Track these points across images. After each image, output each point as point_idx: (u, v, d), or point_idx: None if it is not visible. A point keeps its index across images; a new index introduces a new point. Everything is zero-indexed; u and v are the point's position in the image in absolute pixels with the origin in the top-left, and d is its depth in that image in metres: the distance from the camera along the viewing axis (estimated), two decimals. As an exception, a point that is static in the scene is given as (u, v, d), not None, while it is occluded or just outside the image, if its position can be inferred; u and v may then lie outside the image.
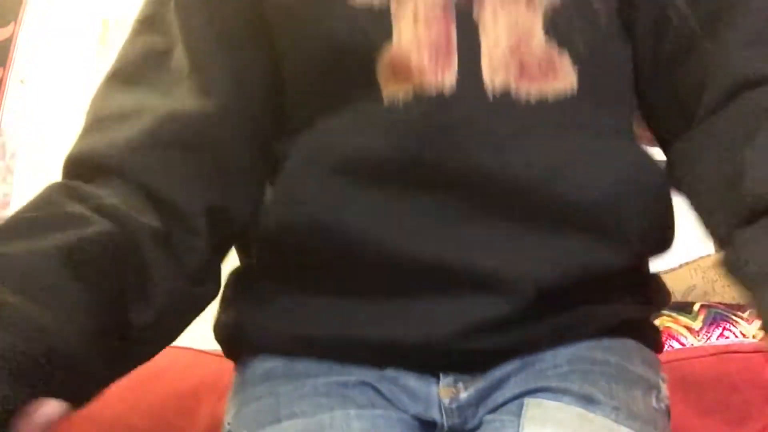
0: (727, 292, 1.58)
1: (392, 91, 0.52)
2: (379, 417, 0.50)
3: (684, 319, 1.40)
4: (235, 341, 0.59)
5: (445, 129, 0.51)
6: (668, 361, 1.29)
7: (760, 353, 1.32)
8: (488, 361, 0.52)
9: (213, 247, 0.52)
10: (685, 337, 1.37)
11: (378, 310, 0.52)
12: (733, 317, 1.42)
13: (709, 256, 1.63)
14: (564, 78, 0.51)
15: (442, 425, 0.53)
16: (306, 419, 0.49)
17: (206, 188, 0.52)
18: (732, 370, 1.28)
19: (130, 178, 0.49)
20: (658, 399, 0.55)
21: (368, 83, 0.52)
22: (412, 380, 0.52)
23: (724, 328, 1.40)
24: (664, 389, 0.58)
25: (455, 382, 0.52)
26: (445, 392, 0.52)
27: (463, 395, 0.52)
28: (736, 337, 1.39)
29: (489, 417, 0.51)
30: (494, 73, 0.51)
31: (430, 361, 0.52)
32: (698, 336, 1.38)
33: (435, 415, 0.52)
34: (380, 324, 0.51)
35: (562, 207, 0.51)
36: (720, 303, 1.46)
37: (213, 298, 0.55)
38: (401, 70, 0.51)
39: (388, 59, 0.51)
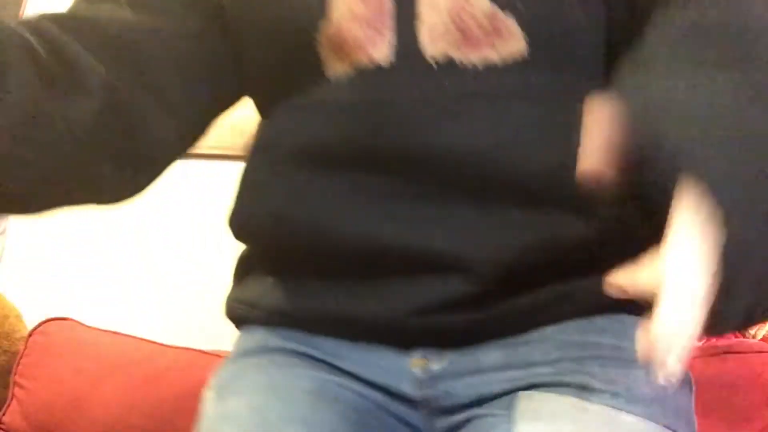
0: (727, 292, 1.57)
1: (335, 69, 0.51)
2: (330, 382, 0.51)
3: (684, 320, 1.40)
4: (233, 315, 0.61)
5: (388, 105, 0.49)
6: (668, 361, 1.29)
7: (760, 353, 1.32)
8: (457, 338, 0.51)
9: (100, 109, 0.47)
10: (685, 338, 1.36)
11: (345, 290, 0.52)
12: (733, 317, 1.42)
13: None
14: (512, 43, 0.49)
15: (414, 398, 0.52)
16: (265, 377, 0.52)
17: (117, 72, 0.49)
18: (732, 370, 1.28)
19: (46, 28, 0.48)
20: (666, 375, 0.53)
21: (312, 63, 0.51)
22: (383, 353, 0.52)
23: (724, 329, 1.39)
24: (675, 362, 0.54)
25: (425, 355, 0.52)
26: (417, 363, 0.52)
27: (436, 367, 0.51)
28: (736, 337, 1.39)
29: (480, 411, 0.50)
30: (434, 41, 0.49)
31: (396, 337, 0.52)
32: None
33: (406, 387, 0.52)
34: (347, 302, 0.52)
35: (516, 179, 0.49)
36: (720, 303, 1.46)
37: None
38: (340, 46, 0.50)
39: (327, 35, 0.50)
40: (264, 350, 0.55)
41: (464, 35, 0.48)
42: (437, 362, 0.51)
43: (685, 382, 0.53)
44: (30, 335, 1.18)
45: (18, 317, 1.28)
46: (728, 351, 1.31)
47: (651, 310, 0.51)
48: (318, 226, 0.51)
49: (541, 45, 0.49)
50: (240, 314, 0.59)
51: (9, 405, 1.16)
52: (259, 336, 0.56)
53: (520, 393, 0.48)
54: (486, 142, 0.48)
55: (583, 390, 0.47)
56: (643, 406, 0.47)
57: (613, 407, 0.46)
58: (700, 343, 1.36)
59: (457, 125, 0.48)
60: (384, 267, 0.50)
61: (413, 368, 0.52)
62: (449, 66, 0.49)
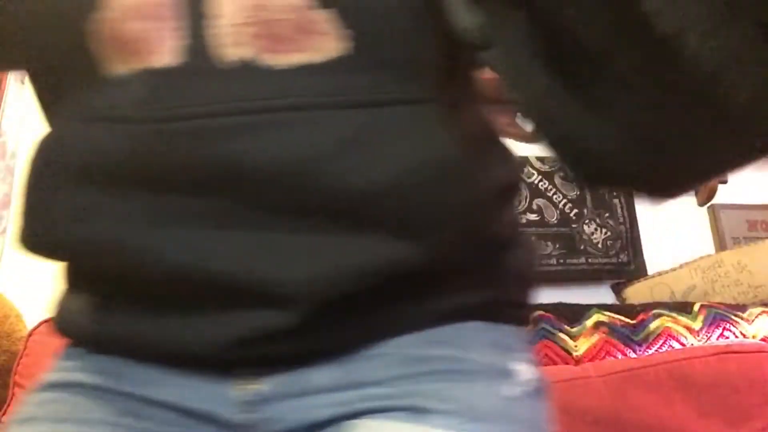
0: (727, 292, 1.58)
1: (115, 71, 0.43)
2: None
3: (684, 320, 1.40)
4: (57, 329, 0.55)
5: (176, 115, 0.41)
6: (668, 361, 1.29)
7: (760, 353, 1.32)
8: (283, 363, 0.46)
9: None
10: (685, 338, 1.37)
11: (156, 317, 0.46)
12: (733, 317, 1.42)
13: (709, 256, 1.63)
14: (326, 41, 0.42)
15: (235, 423, 0.47)
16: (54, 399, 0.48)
17: None
18: (732, 370, 1.28)
19: None
20: (513, 385, 0.46)
21: (86, 64, 0.43)
22: (203, 378, 0.47)
23: (724, 329, 1.40)
24: (527, 369, 0.48)
25: (248, 378, 0.46)
26: (239, 386, 0.46)
27: (260, 389, 0.46)
28: (736, 337, 1.39)
29: None
30: (233, 40, 0.41)
31: (215, 365, 0.46)
32: (698, 336, 1.38)
33: (227, 412, 0.46)
34: (159, 330, 0.46)
35: (338, 199, 0.42)
36: (720, 303, 1.46)
37: None
38: (118, 45, 0.42)
39: (101, 31, 0.42)
40: (67, 386, 0.49)
41: (269, 34, 0.41)
42: (261, 384, 0.46)
43: (537, 389, 0.48)
44: (30, 335, 1.18)
45: (18, 317, 1.28)
46: (728, 351, 1.31)
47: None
48: (111, 252, 0.44)
49: (362, 42, 0.42)
50: (60, 328, 0.54)
51: (9, 405, 1.16)
52: (69, 364, 0.51)
53: (348, 422, 0.44)
54: (296, 156, 0.41)
55: (417, 413, 0.43)
56: (487, 422, 0.43)
57: (451, 428, 0.42)
58: (701, 344, 1.36)
59: (259, 138, 0.41)
60: (191, 296, 0.44)
61: (235, 391, 0.46)
62: (250, 69, 0.41)
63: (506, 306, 0.51)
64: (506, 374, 0.47)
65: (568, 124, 0.39)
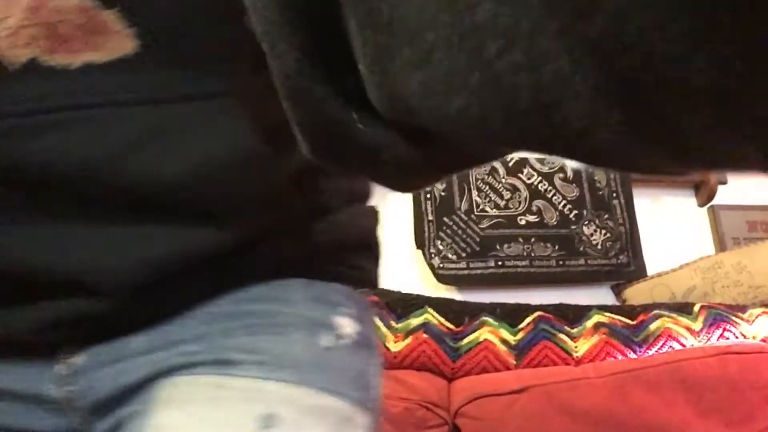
0: (727, 293, 1.58)
1: None
2: None
3: (684, 320, 1.40)
4: None
5: None
6: (668, 362, 1.29)
7: (760, 354, 1.32)
8: (98, 337, 0.47)
9: None
10: (686, 338, 1.37)
11: None
12: (734, 318, 1.42)
13: (709, 257, 1.63)
14: (114, 40, 0.42)
15: (57, 399, 0.48)
16: None
17: None
18: (732, 370, 1.28)
19: None
20: (333, 337, 0.48)
21: None
22: (27, 361, 0.49)
23: (725, 329, 1.40)
24: (350, 323, 0.50)
25: (67, 353, 0.48)
26: (60, 361, 0.48)
27: (78, 361, 0.48)
28: (737, 337, 1.39)
29: (125, 411, 0.47)
30: (13, 41, 0.42)
31: (32, 349, 0.48)
32: (698, 337, 1.38)
33: (48, 389, 0.48)
34: None
35: (129, 195, 0.44)
36: (720, 304, 1.47)
37: None
38: None
39: None
40: None
41: (52, 34, 0.42)
42: (79, 356, 0.47)
43: (359, 342, 0.50)
44: (30, 338, 1.18)
45: (18, 320, 1.28)
46: (728, 352, 1.31)
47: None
48: None
49: (151, 40, 0.42)
50: None
51: None
52: None
53: (159, 382, 0.45)
54: (85, 156, 0.43)
55: (224, 365, 0.44)
56: (296, 371, 0.45)
57: (258, 377, 0.44)
58: (701, 345, 1.36)
59: (46, 139, 0.42)
60: (10, 286, 0.46)
61: (56, 367, 0.47)
62: (36, 70, 0.42)
63: (330, 264, 0.52)
64: (326, 327, 0.48)
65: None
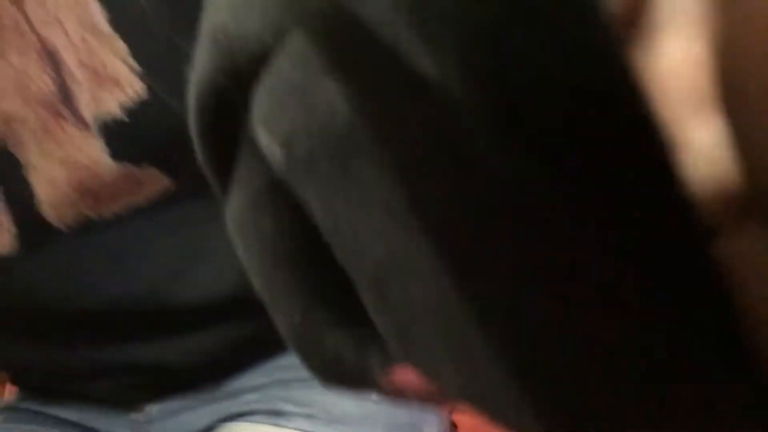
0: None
1: None
2: None
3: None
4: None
5: (26, 287, 0.48)
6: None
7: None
8: (172, 390, 0.52)
9: None
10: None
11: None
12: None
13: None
14: (154, 184, 0.46)
15: None
16: None
17: None
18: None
19: None
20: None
21: None
22: (105, 407, 0.54)
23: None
24: None
25: (143, 404, 0.54)
26: (137, 409, 0.53)
27: (153, 410, 0.53)
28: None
29: None
30: (61, 213, 0.46)
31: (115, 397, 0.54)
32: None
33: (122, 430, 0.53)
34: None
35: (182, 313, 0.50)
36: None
37: None
38: None
39: None
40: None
41: (96, 197, 0.45)
42: (155, 406, 0.52)
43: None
44: None
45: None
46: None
47: None
48: None
49: (185, 177, 0.46)
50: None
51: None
52: None
53: (219, 426, 0.49)
54: (153, 280, 0.48)
55: (276, 416, 0.48)
56: (345, 425, 0.47)
57: (305, 430, 0.47)
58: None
59: (114, 275, 0.47)
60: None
61: (132, 415, 0.52)
62: (86, 225, 0.46)
63: None
64: None
65: None
